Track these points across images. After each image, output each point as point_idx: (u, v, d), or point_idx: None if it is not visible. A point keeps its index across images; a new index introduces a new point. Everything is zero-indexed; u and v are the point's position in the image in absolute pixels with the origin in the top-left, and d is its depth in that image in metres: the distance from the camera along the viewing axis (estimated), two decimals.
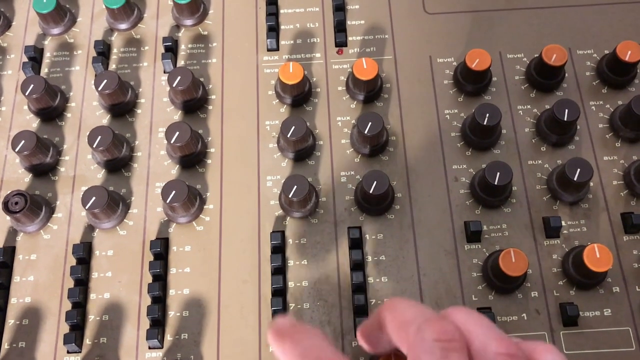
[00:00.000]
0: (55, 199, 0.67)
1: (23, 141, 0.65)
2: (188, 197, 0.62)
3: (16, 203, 0.63)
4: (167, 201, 0.62)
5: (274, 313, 0.61)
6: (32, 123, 0.71)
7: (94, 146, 0.65)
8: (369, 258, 0.63)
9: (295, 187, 0.62)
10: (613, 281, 0.62)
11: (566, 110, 0.64)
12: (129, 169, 0.68)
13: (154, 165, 0.68)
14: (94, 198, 0.62)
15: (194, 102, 0.69)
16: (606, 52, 0.72)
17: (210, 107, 0.71)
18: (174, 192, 0.62)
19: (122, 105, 0.70)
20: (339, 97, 0.71)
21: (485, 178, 0.62)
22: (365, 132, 0.64)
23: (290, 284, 0.63)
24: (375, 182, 0.62)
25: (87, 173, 0.68)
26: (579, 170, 0.62)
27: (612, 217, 0.64)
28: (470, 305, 0.61)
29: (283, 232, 0.65)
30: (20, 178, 0.68)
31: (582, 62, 0.72)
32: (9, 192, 0.64)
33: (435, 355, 0.39)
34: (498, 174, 0.62)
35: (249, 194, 0.67)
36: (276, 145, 0.69)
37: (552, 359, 0.41)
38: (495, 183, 0.62)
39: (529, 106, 0.70)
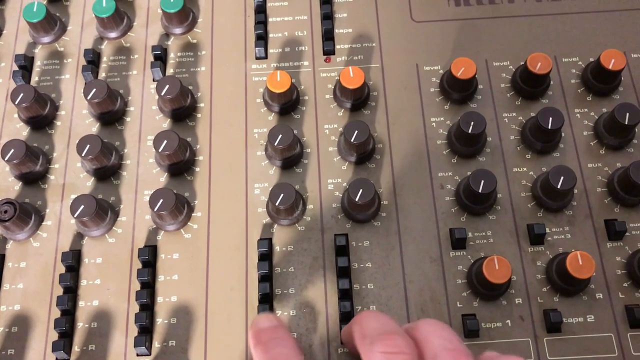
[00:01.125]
0: (45, 207, 0.67)
1: (12, 150, 0.66)
2: (176, 205, 0.63)
3: (5, 212, 0.64)
4: (155, 209, 0.63)
5: None
6: (22, 131, 0.71)
7: (83, 155, 0.65)
8: (355, 265, 0.64)
9: (282, 195, 0.63)
10: (596, 287, 0.62)
11: (550, 119, 0.65)
12: (118, 177, 0.69)
13: (143, 173, 0.69)
14: (82, 206, 0.63)
15: (182, 110, 0.70)
16: (591, 59, 0.72)
17: (198, 115, 0.72)
18: (161, 200, 0.63)
19: (111, 113, 0.70)
20: (327, 105, 0.71)
21: (470, 186, 0.63)
22: (352, 140, 0.65)
23: (277, 291, 0.63)
24: (361, 190, 0.63)
25: (76, 181, 0.69)
26: (562, 178, 0.63)
27: (596, 224, 0.65)
28: (455, 311, 0.62)
29: (270, 240, 0.65)
30: (10, 186, 0.68)
31: (567, 69, 0.73)
32: None
33: None
34: (482, 181, 0.63)
35: (236, 201, 0.67)
36: (264, 153, 0.69)
37: None
38: (480, 191, 0.62)
39: (514, 114, 0.70)
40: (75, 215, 0.63)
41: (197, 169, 0.69)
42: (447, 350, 0.44)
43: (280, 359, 0.46)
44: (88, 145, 0.65)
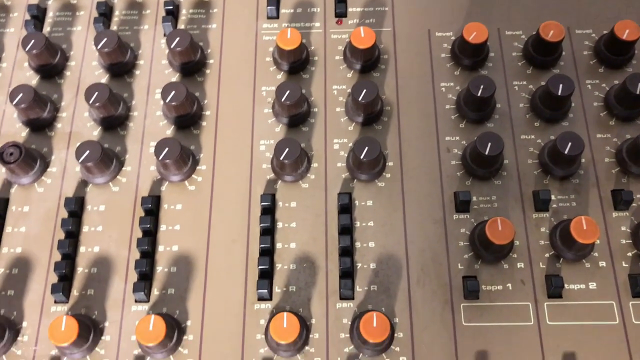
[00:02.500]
0: (51, 154, 0.68)
1: (21, 94, 0.66)
2: (181, 155, 0.63)
3: (11, 154, 0.64)
4: (160, 158, 0.63)
5: (261, 272, 0.61)
6: (32, 80, 0.71)
7: (91, 102, 0.65)
8: (357, 223, 0.64)
9: (287, 149, 0.63)
10: (600, 256, 0.62)
11: (561, 85, 0.65)
12: (125, 128, 0.69)
13: (150, 125, 0.69)
14: (87, 151, 0.63)
15: (191, 65, 0.70)
16: (605, 32, 0.72)
17: (207, 71, 0.71)
18: (167, 149, 0.63)
19: (120, 65, 0.70)
20: (336, 66, 0.71)
21: (477, 148, 0.62)
22: (360, 99, 0.65)
23: (279, 245, 0.63)
24: (366, 147, 0.63)
25: (83, 130, 0.69)
26: (570, 143, 0.62)
27: (603, 194, 0.65)
28: (456, 273, 0.61)
29: (273, 195, 0.65)
30: (17, 132, 0.69)
31: (580, 41, 0.72)
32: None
33: None
34: (489, 144, 0.62)
35: (241, 157, 0.67)
36: (271, 110, 0.69)
37: None
38: (486, 153, 0.62)
39: (524, 82, 0.70)
40: (80, 160, 0.63)
41: (204, 124, 0.69)
42: None
43: None
44: (96, 93, 0.65)
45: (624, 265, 0.61)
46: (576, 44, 0.72)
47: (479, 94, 0.64)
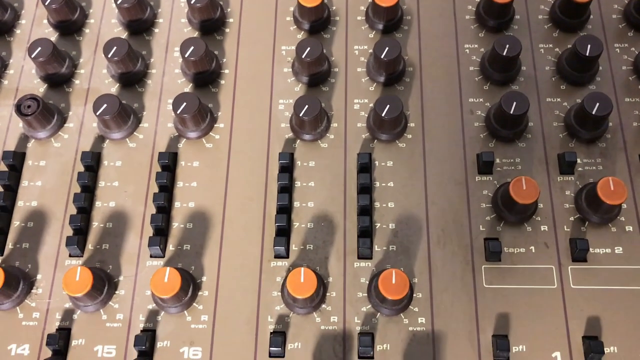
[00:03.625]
0: (68, 110, 0.67)
1: (39, 48, 0.65)
2: (199, 110, 0.62)
3: (29, 106, 0.63)
4: (178, 112, 0.62)
5: (278, 230, 0.60)
6: (51, 36, 0.71)
7: (109, 56, 0.64)
8: (377, 184, 0.62)
9: (307, 106, 0.62)
10: (626, 220, 0.60)
11: (589, 46, 0.63)
12: (143, 85, 0.68)
13: (168, 82, 0.68)
14: (105, 105, 0.62)
15: (211, 22, 0.69)
16: None
17: (227, 30, 0.70)
18: (185, 103, 0.62)
19: (139, 22, 0.69)
20: (358, 26, 0.70)
21: (502, 107, 0.61)
22: (382, 56, 0.63)
23: (296, 204, 0.62)
24: (388, 105, 0.61)
25: (101, 86, 0.68)
26: (598, 104, 0.60)
27: (630, 158, 0.63)
28: (477, 234, 0.60)
29: (292, 154, 0.64)
30: (35, 87, 0.68)
31: (609, 4, 0.70)
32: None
33: None
34: (514, 103, 0.61)
35: (260, 115, 0.66)
36: (291, 69, 0.68)
37: None
38: (511, 112, 0.60)
39: (550, 45, 0.68)
40: (98, 113, 0.62)
41: (222, 82, 0.68)
42: None
43: None
44: (115, 47, 0.65)
45: None
46: (605, 7, 0.70)
47: (504, 53, 0.63)
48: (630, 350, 0.55)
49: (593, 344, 0.54)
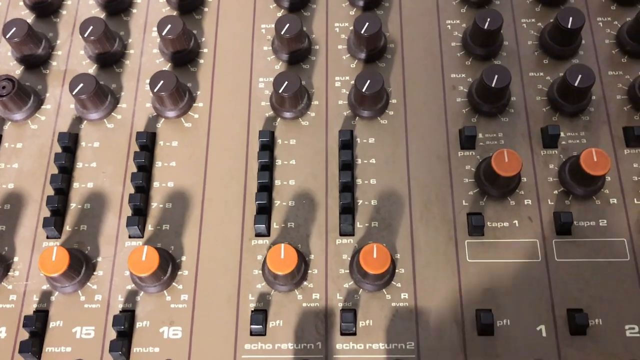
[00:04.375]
0: (45, 91, 0.66)
1: (14, 28, 0.64)
2: (176, 88, 0.61)
3: (4, 87, 0.62)
4: (155, 90, 0.61)
5: (259, 208, 0.59)
6: (27, 18, 0.70)
7: (86, 35, 0.64)
8: (359, 161, 0.62)
9: (287, 82, 0.61)
10: (610, 192, 0.59)
11: (571, 18, 0.62)
12: (121, 66, 0.67)
13: (146, 62, 0.67)
14: (82, 84, 0.61)
15: (189, 2, 0.68)
16: None
17: (205, 9, 0.70)
18: (162, 81, 0.61)
19: (117, 2, 0.69)
20: (339, 4, 0.69)
21: (483, 81, 0.60)
22: (362, 32, 0.63)
23: (277, 182, 0.61)
24: (368, 81, 0.61)
25: (78, 67, 0.67)
26: (580, 76, 0.60)
27: (614, 131, 0.62)
28: (460, 209, 0.59)
29: (272, 132, 0.63)
30: (11, 70, 0.67)
31: None
32: None
33: None
34: (496, 76, 0.60)
35: (240, 94, 0.65)
36: (270, 47, 0.67)
37: None
38: (493, 85, 0.59)
39: (533, 20, 0.68)
40: (74, 93, 0.61)
41: (201, 61, 0.67)
42: None
43: None
44: (91, 26, 0.64)
45: (635, 202, 0.59)
46: None
47: (485, 27, 0.62)
48: (615, 322, 0.55)
49: (578, 316, 0.54)
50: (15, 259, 0.59)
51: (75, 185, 0.62)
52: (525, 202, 0.59)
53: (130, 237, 0.59)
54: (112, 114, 0.64)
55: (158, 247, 0.57)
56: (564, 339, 0.54)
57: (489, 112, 0.62)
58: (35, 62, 0.67)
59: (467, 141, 0.61)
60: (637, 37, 0.64)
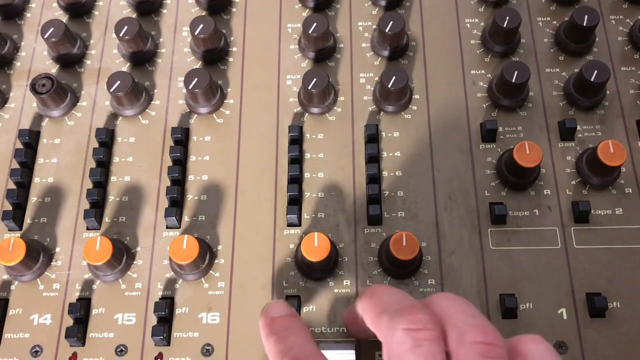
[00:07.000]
0: (81, 89, 0.69)
1: (52, 28, 0.67)
2: (210, 85, 0.64)
3: (43, 85, 0.65)
4: (190, 87, 0.63)
5: (290, 199, 0.62)
6: (61, 19, 0.72)
7: (121, 35, 0.66)
8: (384, 154, 0.64)
9: (315, 79, 0.64)
10: (626, 183, 0.62)
11: (586, 16, 0.65)
12: (153, 64, 0.70)
13: (178, 61, 0.70)
14: (118, 82, 0.64)
15: (218, 3, 0.71)
16: None
17: (234, 10, 0.72)
18: (196, 79, 0.64)
19: (148, 3, 0.71)
20: (361, 4, 0.72)
21: (503, 77, 0.63)
22: (387, 30, 0.65)
23: (307, 175, 0.64)
24: (394, 77, 0.63)
25: (112, 66, 0.70)
26: (596, 71, 0.62)
27: (628, 124, 0.65)
28: (483, 199, 0.62)
29: (301, 127, 0.66)
30: (47, 68, 0.70)
31: None
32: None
33: (406, 345, 0.38)
34: (516, 72, 0.63)
35: (268, 91, 0.68)
36: (297, 46, 0.70)
37: (535, 348, 0.40)
38: (513, 81, 0.62)
39: (548, 18, 0.70)
40: (112, 90, 0.64)
41: (231, 59, 0.70)
42: (473, 325, 0.39)
43: (295, 349, 0.43)
44: (126, 26, 0.66)
45: None
46: None
47: (505, 25, 0.65)
48: (632, 305, 0.57)
49: (597, 299, 0.56)
50: (57, 249, 0.61)
51: (113, 178, 0.64)
52: (545, 192, 0.62)
53: (167, 227, 0.62)
54: (147, 110, 0.67)
55: (197, 237, 0.60)
56: (584, 322, 0.57)
57: (508, 106, 0.65)
58: (71, 61, 0.69)
59: (488, 134, 0.64)
60: None
